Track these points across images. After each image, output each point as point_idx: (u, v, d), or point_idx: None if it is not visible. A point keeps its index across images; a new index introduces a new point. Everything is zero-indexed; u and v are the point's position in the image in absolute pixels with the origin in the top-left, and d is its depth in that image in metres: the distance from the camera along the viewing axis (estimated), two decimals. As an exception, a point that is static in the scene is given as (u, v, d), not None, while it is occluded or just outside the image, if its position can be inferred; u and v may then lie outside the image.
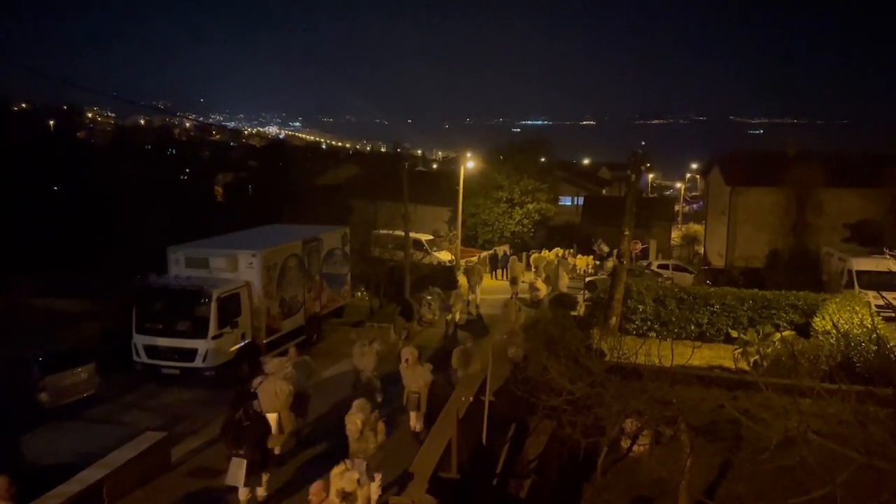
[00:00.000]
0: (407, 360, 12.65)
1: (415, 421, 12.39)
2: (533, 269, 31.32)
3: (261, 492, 9.92)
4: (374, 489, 9.39)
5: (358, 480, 8.54)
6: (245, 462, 9.55)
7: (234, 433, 9.77)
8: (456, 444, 9.84)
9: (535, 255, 34.50)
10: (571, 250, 41.60)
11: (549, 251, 37.41)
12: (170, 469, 11.19)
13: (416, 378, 12.47)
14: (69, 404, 13.84)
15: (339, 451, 10.23)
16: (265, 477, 10.02)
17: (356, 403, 9.99)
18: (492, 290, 28.44)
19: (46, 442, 12.40)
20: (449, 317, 21.48)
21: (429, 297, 22.18)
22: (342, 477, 8.48)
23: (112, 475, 9.75)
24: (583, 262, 39.01)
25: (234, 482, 9.58)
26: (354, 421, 9.70)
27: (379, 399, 13.63)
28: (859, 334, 16.16)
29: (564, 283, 27.72)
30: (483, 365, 12.56)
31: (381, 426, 9.91)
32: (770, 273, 30.77)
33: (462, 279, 23.98)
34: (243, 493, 9.64)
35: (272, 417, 11.15)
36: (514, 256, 32.65)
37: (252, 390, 11.42)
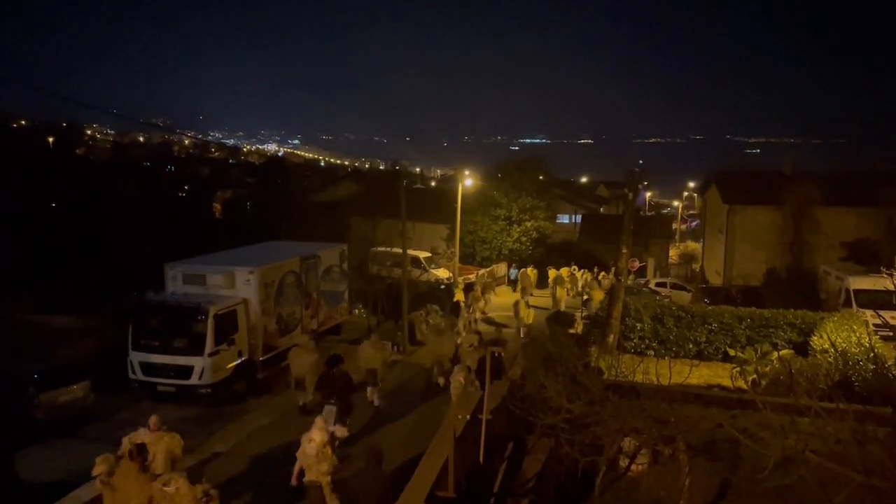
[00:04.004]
0: (473, 345, 16.28)
1: None
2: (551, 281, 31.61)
3: (343, 431, 11.71)
4: None
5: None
6: (334, 409, 12.32)
7: (328, 387, 12.82)
8: (453, 462, 9.77)
9: (553, 271, 34.64)
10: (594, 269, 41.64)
11: (566, 268, 37.41)
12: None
13: (476, 360, 15.06)
14: (64, 421, 13.77)
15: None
16: (347, 422, 12.47)
17: (457, 368, 13.67)
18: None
19: (41, 459, 12.32)
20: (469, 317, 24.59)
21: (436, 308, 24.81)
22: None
23: (106, 494, 9.63)
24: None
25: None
26: (458, 379, 13.12)
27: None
28: (857, 353, 16.13)
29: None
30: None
31: (477, 383, 12.80)
32: (768, 291, 30.73)
33: (478, 290, 26.75)
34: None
35: (302, 379, 14.54)
36: (524, 270, 32.97)
37: (342, 356, 14.26)
